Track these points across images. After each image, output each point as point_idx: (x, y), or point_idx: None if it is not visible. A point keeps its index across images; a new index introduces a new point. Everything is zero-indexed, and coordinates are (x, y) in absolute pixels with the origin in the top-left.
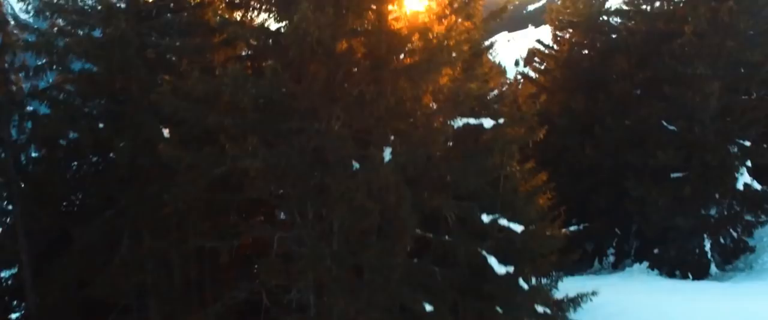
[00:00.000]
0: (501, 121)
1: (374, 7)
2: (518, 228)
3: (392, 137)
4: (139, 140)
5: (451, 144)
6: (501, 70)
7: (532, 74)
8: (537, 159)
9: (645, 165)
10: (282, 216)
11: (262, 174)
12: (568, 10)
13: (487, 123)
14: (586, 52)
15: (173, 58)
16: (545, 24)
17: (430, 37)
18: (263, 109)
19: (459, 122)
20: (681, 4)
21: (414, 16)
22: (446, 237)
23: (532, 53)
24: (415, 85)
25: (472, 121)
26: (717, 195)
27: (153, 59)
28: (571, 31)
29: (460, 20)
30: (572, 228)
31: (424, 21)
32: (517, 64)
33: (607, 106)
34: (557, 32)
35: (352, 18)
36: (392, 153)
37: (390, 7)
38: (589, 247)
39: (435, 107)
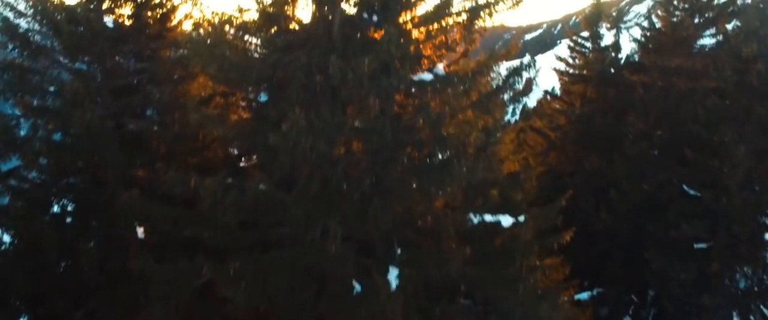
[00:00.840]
0: (521, 218)
1: (378, 99)
2: None
3: (399, 250)
4: (110, 239)
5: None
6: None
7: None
8: (547, 221)
9: (665, 234)
10: None
11: (247, 296)
12: (577, 62)
13: (506, 221)
14: (599, 107)
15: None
16: (542, 52)
17: (444, 131)
18: (247, 221)
19: (473, 218)
20: (701, 61)
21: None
22: None
23: (541, 104)
24: (426, 192)
25: (488, 217)
26: (746, 269)
27: (130, 141)
28: (581, 84)
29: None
30: (585, 294)
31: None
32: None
33: (623, 168)
34: (566, 86)
35: (352, 115)
36: (400, 275)
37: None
38: (603, 313)
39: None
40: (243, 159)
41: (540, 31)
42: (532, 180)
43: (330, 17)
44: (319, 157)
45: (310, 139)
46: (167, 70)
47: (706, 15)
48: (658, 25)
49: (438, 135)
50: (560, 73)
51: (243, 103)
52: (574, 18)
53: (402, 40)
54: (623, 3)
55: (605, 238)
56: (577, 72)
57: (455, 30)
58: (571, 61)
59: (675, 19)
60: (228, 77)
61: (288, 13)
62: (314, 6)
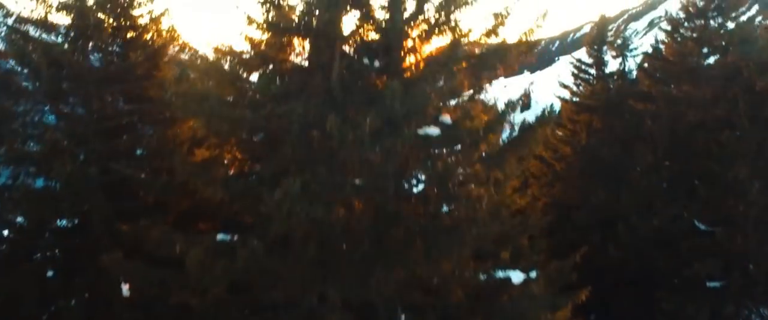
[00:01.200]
0: (533, 274)
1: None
2: None
3: (403, 316)
4: (93, 295)
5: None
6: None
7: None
8: (552, 252)
9: (677, 272)
10: None
11: None
12: (582, 90)
13: (516, 277)
14: (605, 138)
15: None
16: (541, 69)
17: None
18: (238, 284)
19: (482, 276)
20: (710, 91)
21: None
22: None
23: (545, 132)
24: (433, 256)
25: (498, 273)
26: (762, 310)
27: (117, 187)
28: (587, 114)
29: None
30: None
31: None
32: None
33: (631, 201)
34: (571, 115)
35: (352, 171)
36: None
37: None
38: None
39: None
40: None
41: (538, 48)
42: (537, 212)
43: (328, 62)
44: (316, 221)
45: (305, 205)
46: (157, 111)
47: (715, 43)
48: (663, 49)
49: (445, 192)
50: (564, 101)
51: (237, 153)
52: (572, 35)
53: (406, 93)
54: (621, 20)
55: (613, 274)
56: (581, 100)
57: (463, 76)
58: (575, 87)
59: (682, 47)
60: (218, 129)
61: (283, 56)
62: (311, 49)
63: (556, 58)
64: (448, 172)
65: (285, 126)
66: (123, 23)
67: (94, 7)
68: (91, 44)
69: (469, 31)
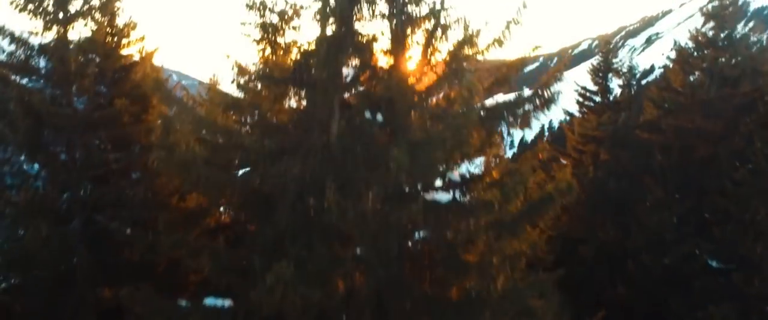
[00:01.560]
0: None
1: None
2: None
3: None
4: None
5: None
6: None
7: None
8: (558, 286)
9: (690, 314)
10: None
11: None
12: (587, 118)
13: None
14: (612, 170)
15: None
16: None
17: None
18: None
19: None
20: (721, 124)
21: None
22: None
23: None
24: None
25: None
26: None
27: (100, 241)
28: (593, 145)
29: None
30: None
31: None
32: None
33: (641, 238)
34: (578, 145)
35: (352, 244)
36: None
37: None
38: None
39: None
40: None
41: (536, 64)
42: (542, 245)
43: (327, 117)
44: (313, 303)
45: (301, 288)
46: (145, 159)
47: (727, 74)
48: (671, 77)
49: (455, 265)
50: (570, 130)
51: (227, 218)
52: (570, 51)
53: (413, 160)
54: (618, 37)
55: (622, 313)
56: (587, 131)
57: (474, 132)
58: (579, 114)
59: (692, 78)
60: (205, 192)
61: (278, 107)
62: (308, 102)
63: None
64: (458, 241)
65: (279, 191)
66: (109, 64)
67: (77, 51)
68: (75, 88)
69: (482, 85)
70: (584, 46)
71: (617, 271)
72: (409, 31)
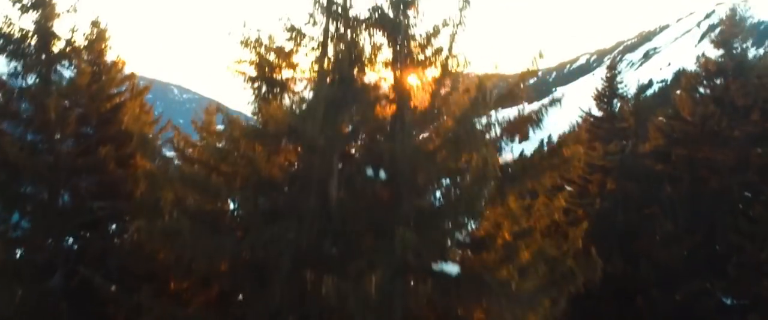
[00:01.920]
0: None
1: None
2: None
3: None
4: None
5: None
6: None
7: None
8: None
9: None
10: None
11: None
12: (593, 144)
13: None
14: (619, 200)
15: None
16: (539, 99)
17: None
18: None
19: None
20: (733, 155)
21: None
22: None
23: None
24: None
25: None
26: None
27: (82, 296)
28: (600, 174)
29: None
30: None
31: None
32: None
33: (651, 273)
34: (584, 174)
35: None
36: None
37: None
38: None
39: None
40: None
41: (535, 78)
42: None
43: (325, 176)
44: None
45: None
46: (132, 209)
47: (738, 104)
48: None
49: None
50: (576, 164)
51: (216, 289)
52: (568, 66)
53: (420, 237)
54: (616, 51)
55: None
56: (593, 161)
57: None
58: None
59: (701, 107)
60: (193, 262)
61: (274, 163)
62: (305, 160)
63: (554, 89)
64: (469, 315)
65: (273, 257)
66: (95, 107)
67: (59, 97)
68: (58, 133)
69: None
70: (582, 60)
71: (625, 307)
72: (415, 79)
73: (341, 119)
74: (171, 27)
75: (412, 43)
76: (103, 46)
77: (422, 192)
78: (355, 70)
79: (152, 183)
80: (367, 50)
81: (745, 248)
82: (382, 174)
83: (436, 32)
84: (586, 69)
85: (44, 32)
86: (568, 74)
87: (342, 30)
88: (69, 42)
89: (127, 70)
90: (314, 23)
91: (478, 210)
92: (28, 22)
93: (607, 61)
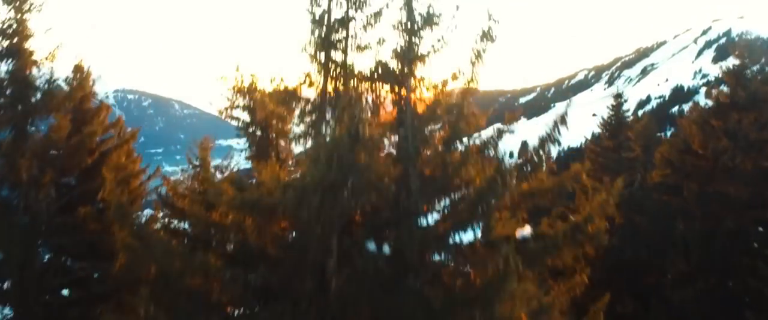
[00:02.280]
0: None
1: None
2: None
3: None
4: None
5: None
6: None
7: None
8: None
9: None
10: None
11: None
12: (598, 176)
13: None
14: (626, 236)
15: None
16: (537, 115)
17: None
18: None
19: None
20: (746, 190)
21: None
22: None
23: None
24: None
25: None
26: None
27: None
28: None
29: None
30: None
31: None
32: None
33: (663, 314)
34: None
35: None
36: None
37: None
38: None
39: None
40: None
41: (534, 94)
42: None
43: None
44: None
45: None
46: (115, 273)
47: (752, 138)
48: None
49: None
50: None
51: None
52: (567, 81)
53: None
54: (614, 67)
55: None
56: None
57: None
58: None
59: (713, 141)
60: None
61: (264, 232)
62: (298, 237)
63: (552, 105)
64: None
65: None
66: (76, 160)
67: (33, 155)
68: (33, 193)
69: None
70: (581, 76)
71: None
72: (421, 149)
73: (340, 203)
74: (173, 43)
75: (419, 102)
76: (86, 92)
77: (430, 272)
78: (356, 148)
79: (133, 257)
80: (369, 111)
81: (764, 292)
82: (386, 248)
83: (444, 86)
84: (584, 84)
85: (20, 82)
86: (566, 90)
87: (341, 88)
88: (47, 93)
89: (113, 117)
90: (310, 84)
91: (495, 313)
92: (1, 71)
93: (605, 77)
